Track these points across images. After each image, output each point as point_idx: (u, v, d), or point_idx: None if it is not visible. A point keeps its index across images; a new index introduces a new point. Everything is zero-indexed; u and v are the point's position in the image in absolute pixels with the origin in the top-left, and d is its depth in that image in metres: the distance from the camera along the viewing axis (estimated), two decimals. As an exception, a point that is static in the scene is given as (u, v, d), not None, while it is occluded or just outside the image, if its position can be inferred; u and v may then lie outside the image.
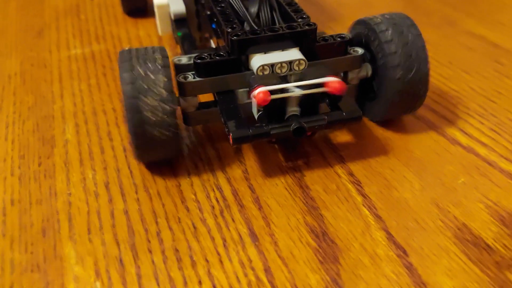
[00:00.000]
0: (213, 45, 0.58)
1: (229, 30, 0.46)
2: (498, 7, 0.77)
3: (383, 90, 0.49)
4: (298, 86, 0.44)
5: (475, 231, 0.41)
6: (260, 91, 0.41)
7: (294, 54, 0.46)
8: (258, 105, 0.42)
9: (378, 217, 0.43)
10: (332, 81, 0.43)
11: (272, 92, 0.42)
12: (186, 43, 0.58)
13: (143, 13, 0.81)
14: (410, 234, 0.41)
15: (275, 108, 0.44)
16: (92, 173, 0.49)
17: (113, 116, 0.57)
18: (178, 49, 0.66)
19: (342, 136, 0.52)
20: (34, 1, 0.89)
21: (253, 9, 0.51)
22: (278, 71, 0.45)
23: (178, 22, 0.63)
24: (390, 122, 0.53)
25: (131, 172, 0.49)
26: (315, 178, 0.47)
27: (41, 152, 0.52)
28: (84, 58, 0.70)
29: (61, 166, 0.50)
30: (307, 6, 0.81)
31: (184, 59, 0.48)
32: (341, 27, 0.74)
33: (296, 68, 0.46)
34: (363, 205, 0.44)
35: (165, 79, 0.43)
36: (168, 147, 0.45)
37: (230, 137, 0.43)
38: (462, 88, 0.58)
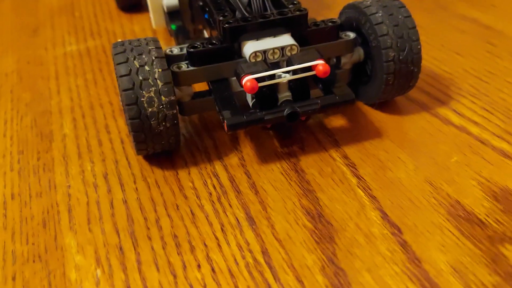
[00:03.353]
0: (206, 35, 0.59)
1: (221, 18, 0.47)
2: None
3: (377, 72, 0.49)
4: (286, 72, 0.44)
5: (467, 207, 0.41)
6: (247, 80, 0.42)
7: (286, 39, 0.47)
8: (248, 93, 0.42)
9: (372, 198, 0.43)
10: (316, 64, 0.43)
11: (260, 79, 0.43)
12: (180, 34, 0.59)
13: (137, 8, 0.81)
14: (404, 213, 0.41)
15: (267, 95, 0.45)
16: (91, 165, 0.50)
17: (110, 110, 0.58)
18: (173, 42, 0.66)
19: (336, 121, 0.52)
20: (28, 0, 0.89)
21: (245, -3, 0.51)
22: (271, 57, 0.46)
23: (171, 14, 0.63)
24: (384, 105, 0.53)
25: (129, 163, 0.49)
26: (310, 162, 0.48)
27: (40, 147, 0.53)
28: (80, 54, 0.70)
29: (60, 160, 0.51)
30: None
31: (176, 50, 0.48)
32: (334, 14, 0.74)
33: (289, 53, 0.46)
34: (358, 186, 0.44)
35: (160, 70, 0.43)
36: (167, 138, 0.45)
37: (225, 124, 0.43)
38: (455, 70, 0.59)
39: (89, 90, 0.62)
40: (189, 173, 0.48)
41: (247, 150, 0.50)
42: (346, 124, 0.52)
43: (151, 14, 0.66)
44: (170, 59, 0.48)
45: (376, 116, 0.52)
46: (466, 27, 0.68)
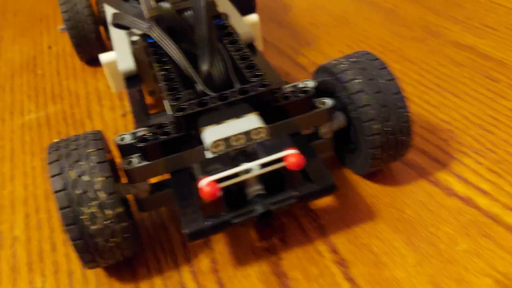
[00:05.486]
0: (166, 105, 0.51)
1: (173, 103, 0.40)
2: (484, 9, 0.70)
3: (361, 145, 0.42)
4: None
5: (484, 321, 0.34)
6: (206, 184, 0.35)
7: (251, 121, 0.39)
8: (207, 199, 0.36)
9: (368, 310, 0.36)
10: (289, 156, 0.36)
11: (223, 179, 0.36)
12: (136, 112, 0.51)
13: (102, 60, 0.74)
14: (407, 333, 0.34)
15: (233, 192, 0.38)
16: (42, 280, 0.43)
17: (67, 199, 0.51)
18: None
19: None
20: (-12, 57, 0.83)
21: (204, 67, 0.44)
22: (235, 143, 0.39)
23: (129, 79, 0.56)
24: (374, 172, 0.46)
25: (84, 274, 0.43)
26: (293, 260, 0.40)
27: (-14, 258, 0.46)
28: (39, 125, 0.64)
29: (8, 275, 0.44)
30: (279, 30, 0.74)
31: (128, 137, 0.41)
32: (316, 53, 0.67)
33: (255, 137, 0.39)
34: (350, 294, 0.37)
35: (102, 179, 0.37)
36: (120, 252, 0.39)
37: (184, 232, 0.36)
38: (454, 118, 0.51)
39: (45, 173, 0.55)
40: (153, 286, 0.41)
41: (220, 246, 0.43)
42: (332, 202, 0.45)
43: (108, 80, 0.59)
44: (122, 150, 0.41)
45: (367, 188, 0.45)
46: (462, 58, 0.61)
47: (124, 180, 0.41)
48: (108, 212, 0.36)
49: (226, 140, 0.39)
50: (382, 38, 0.67)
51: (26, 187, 0.54)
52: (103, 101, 0.66)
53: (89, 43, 0.72)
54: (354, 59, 0.42)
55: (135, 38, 0.56)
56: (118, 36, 0.59)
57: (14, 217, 0.50)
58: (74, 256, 0.44)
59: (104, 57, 0.57)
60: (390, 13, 0.73)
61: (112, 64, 0.57)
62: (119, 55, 0.56)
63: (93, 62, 0.75)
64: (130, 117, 0.62)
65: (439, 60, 0.61)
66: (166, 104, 0.52)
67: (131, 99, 0.54)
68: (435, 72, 0.59)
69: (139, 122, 0.49)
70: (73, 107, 0.66)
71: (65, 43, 0.82)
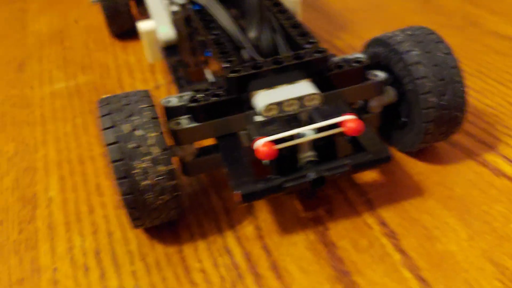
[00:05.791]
0: (208, 75, 0.51)
1: (226, 65, 0.39)
2: (524, 1, 0.69)
3: (414, 118, 0.41)
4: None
5: (544, 296, 0.33)
6: (263, 144, 0.34)
7: (304, 87, 0.39)
8: (263, 160, 0.35)
9: (422, 281, 0.35)
10: (347, 121, 0.36)
11: (278, 141, 0.35)
12: (178, 78, 0.51)
13: (132, 35, 0.73)
14: (465, 304, 0.34)
15: (286, 156, 0.37)
16: (81, 239, 0.42)
17: (102, 164, 0.50)
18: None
19: (367, 173, 0.45)
20: (16, 28, 0.82)
21: (253, 34, 0.44)
22: (287, 109, 0.38)
23: (168, 49, 0.55)
24: (421, 152, 0.46)
25: (125, 236, 0.42)
26: (341, 231, 0.40)
27: (22, 216, 0.45)
28: (69, 93, 0.63)
29: (44, 233, 0.43)
30: (313, 14, 0.74)
31: (174, 100, 0.41)
32: (352, 37, 0.66)
33: (308, 103, 0.38)
34: (403, 265, 0.36)
35: (156, 133, 0.36)
36: (167, 212, 0.38)
37: (236, 195, 0.35)
38: (499, 103, 0.51)
39: (78, 139, 0.54)
40: (196, 249, 0.40)
41: (264, 214, 0.42)
42: (379, 178, 0.44)
43: (145, 48, 0.58)
44: (169, 113, 0.40)
45: (414, 167, 0.44)
46: (502, 47, 0.60)
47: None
48: (161, 168, 0.36)
49: (279, 104, 0.38)
50: (419, 24, 0.67)
51: (59, 151, 0.53)
52: (135, 73, 0.65)
53: (121, 16, 0.71)
54: (410, 32, 0.42)
55: (175, 8, 0.55)
56: (156, 6, 0.58)
57: (48, 179, 0.49)
58: (113, 218, 0.44)
59: (143, 25, 0.56)
60: (426, 2, 0.72)
61: (151, 33, 0.57)
62: (159, 24, 0.56)
63: (123, 36, 0.74)
64: (163, 90, 0.61)
65: (480, 49, 0.60)
66: (207, 72, 0.52)
67: (172, 67, 0.53)
68: (476, 60, 0.58)
69: (182, 87, 0.49)
70: (104, 78, 0.65)
71: (93, 18, 0.82)
